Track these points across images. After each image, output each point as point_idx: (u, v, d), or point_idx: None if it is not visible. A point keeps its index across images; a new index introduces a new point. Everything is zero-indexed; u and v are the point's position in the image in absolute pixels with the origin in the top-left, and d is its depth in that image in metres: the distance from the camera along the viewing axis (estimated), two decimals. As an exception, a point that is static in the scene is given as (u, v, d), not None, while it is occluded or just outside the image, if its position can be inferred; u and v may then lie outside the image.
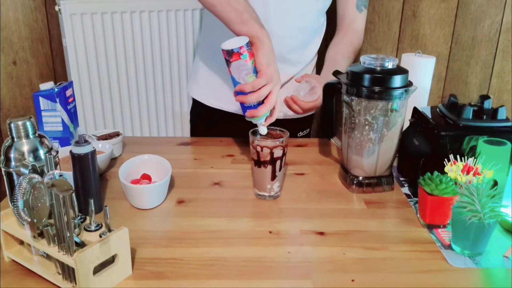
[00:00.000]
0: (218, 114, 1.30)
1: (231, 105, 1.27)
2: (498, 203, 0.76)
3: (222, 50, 0.89)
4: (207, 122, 1.34)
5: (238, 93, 0.92)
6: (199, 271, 0.72)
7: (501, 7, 1.56)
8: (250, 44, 0.90)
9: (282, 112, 1.22)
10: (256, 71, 0.91)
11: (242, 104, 0.93)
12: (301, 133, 1.37)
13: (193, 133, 1.39)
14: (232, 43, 0.89)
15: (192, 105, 1.37)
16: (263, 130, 0.94)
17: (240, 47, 0.88)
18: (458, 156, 0.86)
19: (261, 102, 0.93)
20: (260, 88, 0.90)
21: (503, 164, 0.87)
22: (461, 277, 0.72)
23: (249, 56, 0.89)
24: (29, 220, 0.68)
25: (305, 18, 1.21)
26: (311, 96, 1.14)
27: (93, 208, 0.69)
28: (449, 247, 0.79)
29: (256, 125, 0.96)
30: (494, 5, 1.55)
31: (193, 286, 0.69)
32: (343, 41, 1.27)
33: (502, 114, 0.90)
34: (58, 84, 1.06)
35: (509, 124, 0.90)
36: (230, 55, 0.88)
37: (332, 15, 1.31)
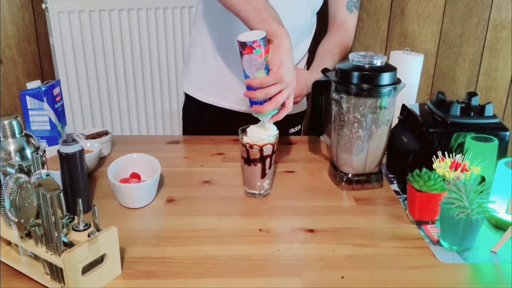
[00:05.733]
0: (212, 109, 1.29)
1: (224, 101, 1.26)
2: (486, 199, 0.77)
3: (237, 41, 0.88)
4: (200, 118, 1.33)
5: (247, 88, 0.91)
6: (189, 270, 0.72)
7: (488, 5, 1.57)
8: (266, 41, 0.88)
9: None
10: (268, 69, 0.89)
11: (250, 99, 0.92)
12: (292, 130, 1.37)
13: (186, 129, 1.38)
14: (248, 36, 0.87)
15: (185, 101, 1.35)
16: (268, 127, 0.93)
17: (254, 42, 0.86)
18: (446, 153, 0.86)
19: (269, 99, 0.91)
20: (269, 86, 0.88)
21: (490, 160, 0.88)
22: (449, 273, 0.73)
23: (263, 52, 0.87)
24: (16, 220, 0.68)
25: (298, 18, 1.21)
26: None
27: (81, 208, 0.69)
28: (437, 243, 0.80)
29: (251, 123, 0.95)
30: (481, 2, 1.57)
31: (183, 285, 0.69)
32: (333, 39, 1.28)
33: (489, 111, 0.91)
34: (45, 82, 1.05)
35: (496, 120, 0.91)
36: (243, 47, 0.87)
37: (323, 15, 1.31)
